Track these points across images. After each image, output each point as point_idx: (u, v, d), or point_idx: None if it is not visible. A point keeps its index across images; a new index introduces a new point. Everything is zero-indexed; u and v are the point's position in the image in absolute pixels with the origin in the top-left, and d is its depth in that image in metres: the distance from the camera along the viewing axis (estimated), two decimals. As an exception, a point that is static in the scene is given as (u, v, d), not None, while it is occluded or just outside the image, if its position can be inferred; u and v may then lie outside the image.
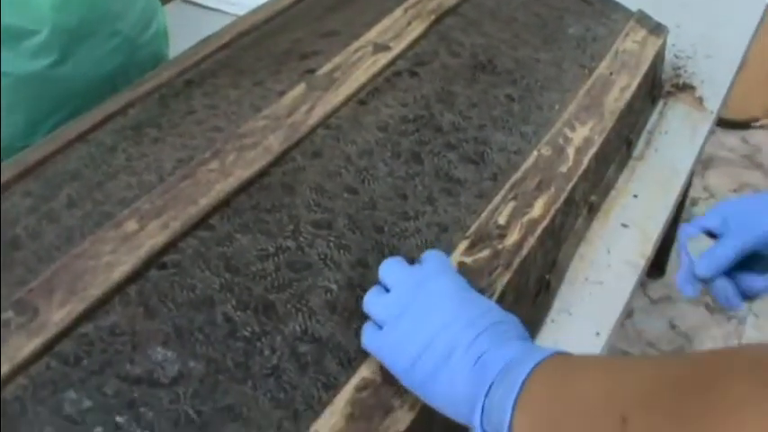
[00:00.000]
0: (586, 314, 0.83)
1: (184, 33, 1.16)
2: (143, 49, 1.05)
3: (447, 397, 0.57)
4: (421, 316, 0.60)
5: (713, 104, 1.13)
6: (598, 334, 0.82)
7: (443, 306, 0.60)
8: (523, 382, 0.53)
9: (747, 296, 0.71)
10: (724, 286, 0.70)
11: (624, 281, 0.88)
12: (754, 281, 0.70)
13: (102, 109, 0.86)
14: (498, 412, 0.54)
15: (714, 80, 1.17)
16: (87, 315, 0.60)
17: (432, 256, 0.66)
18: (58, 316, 0.60)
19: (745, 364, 0.45)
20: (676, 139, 1.06)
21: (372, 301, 0.63)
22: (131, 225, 0.67)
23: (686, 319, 1.95)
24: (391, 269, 0.64)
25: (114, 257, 0.64)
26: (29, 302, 0.61)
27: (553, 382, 0.54)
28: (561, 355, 0.56)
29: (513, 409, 0.53)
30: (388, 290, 0.63)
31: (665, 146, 1.05)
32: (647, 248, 0.91)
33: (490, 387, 0.55)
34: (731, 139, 2.37)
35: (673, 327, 1.93)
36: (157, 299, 0.62)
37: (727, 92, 1.17)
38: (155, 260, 0.65)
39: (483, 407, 0.55)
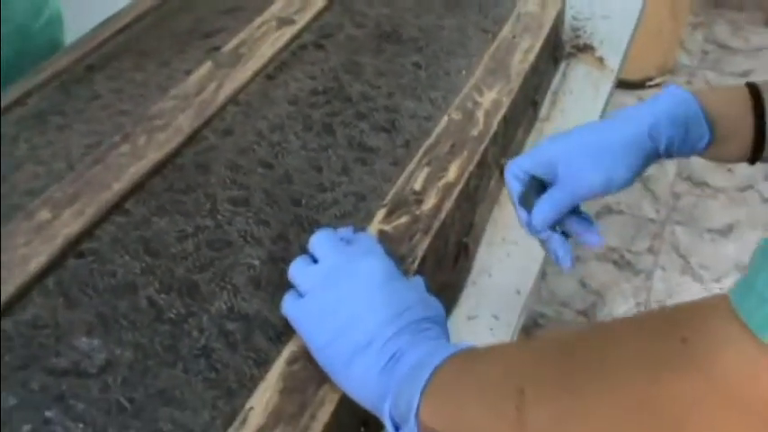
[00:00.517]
0: (506, 274, 0.85)
1: (80, 19, 1.13)
2: (36, 37, 1.02)
3: (358, 385, 0.57)
4: (346, 294, 0.59)
5: (613, 63, 1.16)
6: (518, 292, 0.84)
7: (370, 293, 0.59)
8: (432, 373, 0.54)
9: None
10: (555, 246, 0.70)
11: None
12: (580, 229, 0.70)
13: (-1, 99, 0.83)
14: (406, 399, 0.54)
15: (612, 40, 1.20)
16: (5, 311, 0.59)
17: (364, 237, 0.66)
18: (-27, 313, 0.58)
19: (629, 329, 0.47)
20: (580, 99, 1.09)
21: (298, 270, 0.63)
22: (44, 215, 0.65)
23: (596, 277, 2.01)
24: (322, 240, 0.64)
25: (29, 249, 0.62)
26: (-60, 301, 0.59)
27: (458, 368, 0.54)
28: (467, 350, 0.56)
29: (421, 396, 0.53)
30: (315, 261, 0.63)
31: (570, 106, 1.07)
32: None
33: (401, 379, 0.55)
34: (628, 99, 2.44)
35: (584, 285, 1.98)
36: (78, 288, 0.61)
37: (625, 51, 1.20)
38: (71, 249, 0.63)
39: (392, 396, 0.55)
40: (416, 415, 0.53)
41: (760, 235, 2.11)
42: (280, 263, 0.66)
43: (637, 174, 0.68)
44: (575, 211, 0.71)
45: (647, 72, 2.53)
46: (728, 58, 2.77)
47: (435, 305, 0.62)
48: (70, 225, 0.65)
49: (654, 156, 0.68)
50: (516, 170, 0.69)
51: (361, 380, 0.57)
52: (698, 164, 2.32)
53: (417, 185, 0.75)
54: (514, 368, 0.51)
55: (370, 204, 0.73)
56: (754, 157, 0.70)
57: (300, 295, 0.61)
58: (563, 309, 1.94)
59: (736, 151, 0.70)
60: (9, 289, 0.60)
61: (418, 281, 0.65)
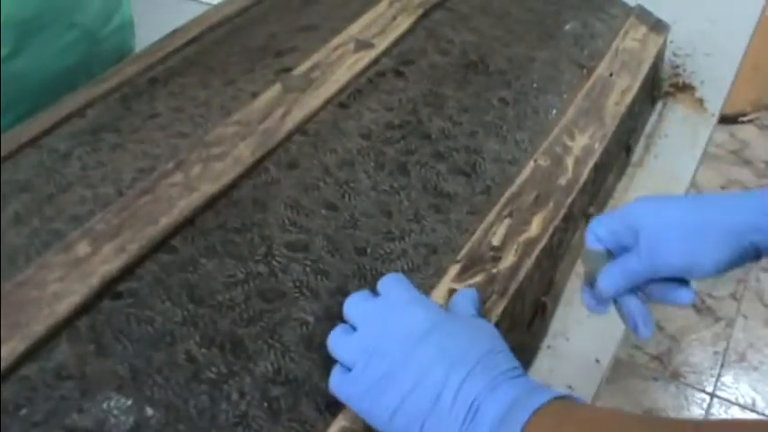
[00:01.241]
0: (585, 339, 0.77)
1: (153, 25, 1.08)
2: (105, 42, 0.98)
3: None
4: (394, 356, 0.53)
5: (714, 106, 1.07)
6: (598, 361, 0.76)
7: (419, 343, 0.53)
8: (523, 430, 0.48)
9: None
10: (633, 310, 0.61)
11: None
12: (670, 293, 0.61)
13: (57, 109, 0.78)
14: None
15: (714, 80, 1.11)
16: (30, 354, 0.53)
17: (392, 283, 0.59)
18: (-5, 356, 0.52)
19: None
20: (677, 144, 1.00)
21: (337, 342, 0.56)
22: (83, 248, 0.59)
23: (673, 321, 1.90)
24: (355, 305, 0.57)
25: (62, 286, 0.57)
26: (-38, 340, 0.53)
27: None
28: (560, 402, 0.50)
29: None
30: (354, 328, 0.56)
31: (665, 151, 0.98)
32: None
33: None
34: (718, 133, 2.31)
35: (660, 328, 1.87)
36: (111, 335, 0.55)
37: (728, 93, 1.11)
38: (108, 289, 0.57)
39: None
40: None
41: None
42: (336, 320, 0.59)
43: (726, 266, 0.58)
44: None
45: (741, 107, 2.40)
46: (831, 97, 2.63)
47: (490, 331, 0.56)
48: (110, 261, 0.59)
49: (753, 253, 0.58)
50: (599, 229, 0.62)
51: None
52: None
53: (496, 240, 0.68)
54: None
55: (442, 258, 0.66)
56: None
57: (348, 369, 0.54)
58: (636, 351, 1.84)
59: None
60: (38, 330, 0.54)
61: (479, 320, 0.58)
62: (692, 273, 0.59)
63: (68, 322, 0.55)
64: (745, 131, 2.38)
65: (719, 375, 1.81)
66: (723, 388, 1.79)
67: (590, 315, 0.78)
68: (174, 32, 0.90)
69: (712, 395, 1.77)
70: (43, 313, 0.55)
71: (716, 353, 1.85)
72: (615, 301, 0.63)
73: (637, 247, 0.60)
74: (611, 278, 0.60)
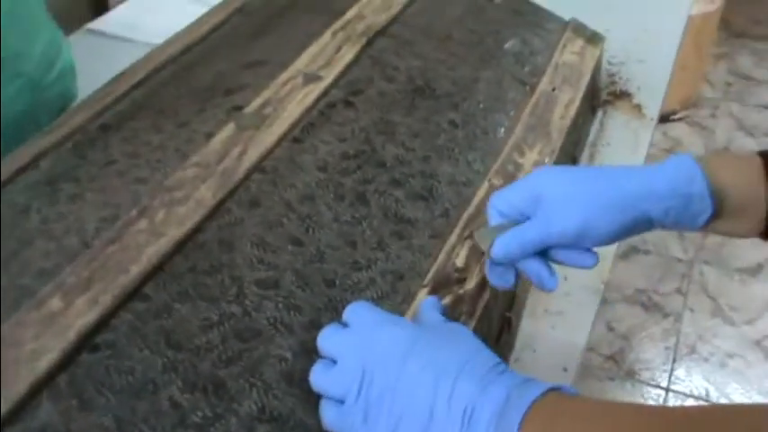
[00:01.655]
0: (551, 349, 0.79)
1: (92, 67, 1.08)
2: (49, 89, 0.98)
3: None
4: (382, 380, 0.54)
5: (652, 110, 1.11)
6: (565, 369, 0.78)
7: (404, 360, 0.54)
8: (520, 428, 0.49)
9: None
10: (534, 268, 0.64)
11: (585, 308, 0.84)
12: (575, 257, 0.64)
13: (10, 161, 0.77)
14: None
15: (650, 85, 1.15)
16: (12, 417, 0.53)
17: (358, 310, 0.60)
18: (-23, 421, 0.52)
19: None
20: (620, 150, 1.03)
21: (321, 378, 0.57)
22: (56, 303, 0.59)
23: (623, 321, 1.94)
24: (329, 338, 0.59)
25: (39, 343, 0.57)
26: (-58, 408, 0.53)
27: (550, 426, 0.49)
28: (553, 395, 0.51)
29: None
30: (334, 361, 0.57)
31: (609, 159, 1.02)
32: (605, 270, 0.87)
33: None
34: (651, 132, 2.38)
35: (611, 329, 1.92)
36: (93, 388, 0.55)
37: (664, 96, 1.14)
38: (85, 342, 0.58)
39: None
40: None
41: (791, 275, 2.05)
42: (313, 354, 0.60)
43: (619, 234, 0.63)
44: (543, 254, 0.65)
45: (671, 106, 2.47)
46: (752, 89, 2.72)
47: (465, 333, 0.58)
48: (84, 314, 0.59)
49: (644, 222, 0.62)
50: (499, 202, 0.65)
51: None
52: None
53: (459, 261, 0.70)
54: None
55: (410, 284, 0.67)
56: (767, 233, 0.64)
57: (340, 402, 0.55)
58: (590, 353, 1.88)
59: (747, 226, 0.63)
60: (19, 389, 0.54)
61: (451, 325, 0.60)
62: (586, 240, 0.62)
63: (49, 379, 0.55)
64: (677, 129, 2.45)
65: (672, 370, 1.85)
66: (677, 381, 1.83)
67: (554, 326, 0.81)
68: (120, 76, 0.90)
69: (667, 389, 1.82)
70: (22, 373, 0.55)
71: (667, 348, 1.90)
72: (517, 272, 0.66)
73: (536, 210, 0.63)
74: (503, 245, 0.63)
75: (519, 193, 0.64)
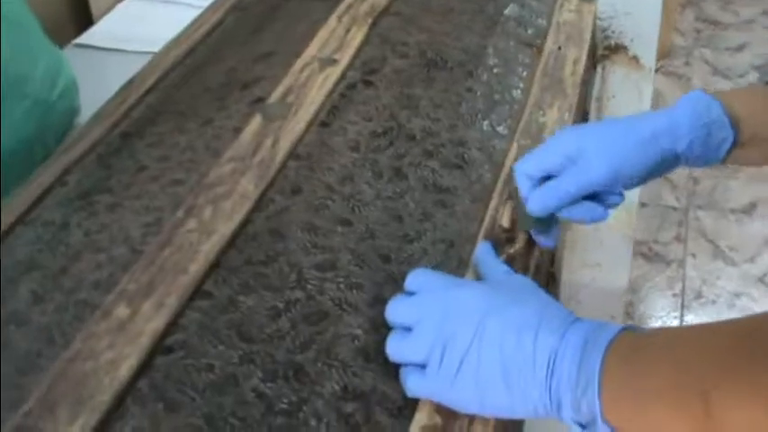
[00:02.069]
0: (594, 299, 0.80)
1: (87, 81, 1.07)
2: (55, 107, 0.97)
3: (524, 407, 0.53)
4: (464, 342, 0.54)
5: (648, 60, 1.11)
6: (612, 317, 0.79)
7: (483, 320, 0.55)
8: (600, 374, 0.50)
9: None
10: (582, 210, 0.66)
11: (620, 257, 0.85)
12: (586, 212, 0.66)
13: (35, 182, 0.77)
14: (587, 406, 0.51)
15: (641, 36, 1.15)
16: (103, 427, 0.53)
17: (421, 277, 0.61)
18: (70, 435, 0.52)
19: None
20: (625, 102, 1.04)
21: (398, 348, 0.57)
22: (122, 311, 0.59)
23: (628, 273, 1.96)
24: (398, 307, 0.59)
25: (114, 352, 0.56)
26: (30, 428, 0.52)
27: (628, 365, 0.51)
28: (626, 334, 0.53)
29: (600, 400, 0.50)
30: (408, 329, 0.58)
31: (617, 110, 1.02)
32: (631, 217, 0.89)
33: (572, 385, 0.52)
34: (629, 87, 2.39)
35: (618, 283, 1.93)
36: (175, 389, 0.55)
37: (657, 45, 1.15)
38: (159, 345, 0.58)
39: (570, 406, 0.51)
40: (603, 420, 0.50)
41: (786, 210, 2.07)
42: (382, 328, 0.60)
43: (650, 174, 0.65)
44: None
45: (644, 58, 2.48)
46: (721, 33, 2.74)
47: (532, 286, 0.60)
48: (153, 318, 0.59)
49: (671, 158, 0.65)
50: (528, 168, 0.67)
51: (525, 402, 0.53)
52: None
53: (505, 222, 0.70)
54: (691, 367, 0.47)
55: (461, 250, 0.68)
56: None
57: (421, 366, 0.56)
58: (599, 310, 1.89)
59: (761, 153, 0.66)
60: (104, 399, 0.54)
61: (516, 278, 0.62)
62: (618, 181, 0.65)
63: (130, 386, 0.55)
64: (655, 80, 2.47)
65: (682, 316, 1.88)
66: (689, 327, 1.85)
67: (594, 278, 0.82)
68: (128, 84, 0.90)
69: (680, 335, 1.84)
70: (104, 382, 0.55)
71: (674, 295, 1.92)
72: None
73: (564, 169, 0.65)
74: (539, 198, 0.65)
75: (547, 154, 0.66)
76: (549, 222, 0.67)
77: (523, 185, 0.67)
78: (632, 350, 0.51)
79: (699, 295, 1.92)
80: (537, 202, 0.65)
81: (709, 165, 0.67)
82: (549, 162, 0.66)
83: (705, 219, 2.09)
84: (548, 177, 0.66)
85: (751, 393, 0.44)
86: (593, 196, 0.66)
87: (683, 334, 0.53)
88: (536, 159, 0.66)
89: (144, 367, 0.56)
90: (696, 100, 0.65)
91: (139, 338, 0.57)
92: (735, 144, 0.65)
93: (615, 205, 0.67)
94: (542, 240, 0.68)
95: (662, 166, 0.66)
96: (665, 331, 0.54)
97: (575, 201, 0.65)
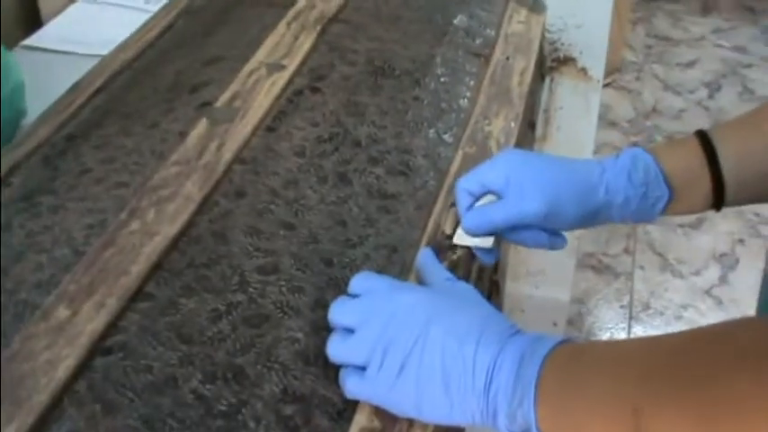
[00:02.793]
0: (538, 307, 0.81)
1: (35, 83, 1.06)
2: (1, 107, 0.96)
3: (462, 415, 0.54)
4: (406, 345, 0.55)
5: (597, 73, 1.14)
6: (555, 324, 0.80)
7: (426, 326, 0.55)
8: (536, 385, 0.51)
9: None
10: (523, 235, 0.68)
11: (564, 264, 0.86)
12: (545, 239, 0.68)
13: (-23, 182, 0.76)
14: (522, 416, 0.52)
15: (591, 48, 1.18)
16: (39, 428, 0.52)
17: (366, 280, 0.61)
18: (5, 435, 0.52)
19: (744, 354, 0.44)
20: (573, 114, 1.06)
21: (339, 349, 0.57)
22: (62, 311, 0.59)
23: (577, 285, 1.98)
24: (342, 309, 0.59)
25: (53, 353, 0.56)
26: (-35, 427, 0.52)
27: (564, 375, 0.52)
28: (564, 346, 0.54)
29: (535, 410, 0.51)
30: (351, 330, 0.58)
31: (565, 122, 1.04)
32: (576, 227, 0.90)
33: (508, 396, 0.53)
34: (581, 100, 2.43)
35: (566, 294, 1.95)
36: (113, 390, 0.55)
37: (605, 58, 1.18)
38: (98, 346, 0.57)
39: (504, 414, 0.52)
40: (537, 428, 0.51)
41: (731, 224, 2.11)
42: (323, 331, 0.61)
43: (583, 220, 0.67)
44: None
45: (596, 72, 2.52)
46: (672, 49, 2.80)
47: (475, 295, 0.61)
48: (93, 319, 0.58)
49: (606, 210, 0.67)
50: (469, 184, 0.68)
51: (463, 409, 0.54)
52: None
53: (448, 228, 0.71)
54: (624, 383, 0.49)
55: (404, 255, 0.69)
56: (718, 203, 0.69)
57: (361, 369, 0.56)
58: (548, 320, 1.91)
59: (697, 202, 0.69)
60: (42, 399, 0.53)
61: (459, 285, 0.63)
62: (552, 222, 0.66)
63: (68, 387, 0.55)
64: (606, 95, 2.51)
65: (630, 327, 1.90)
66: (636, 337, 1.88)
67: (537, 286, 0.83)
68: (76, 86, 0.89)
69: (627, 346, 1.86)
70: (42, 383, 0.54)
71: (622, 307, 1.95)
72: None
73: (504, 192, 0.66)
74: (472, 219, 0.67)
75: (489, 173, 0.67)
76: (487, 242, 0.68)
77: (463, 201, 0.68)
78: (568, 363, 0.52)
79: (647, 307, 1.95)
80: (471, 221, 0.67)
81: (644, 221, 0.70)
82: (490, 181, 0.67)
83: (653, 232, 2.13)
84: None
85: (680, 411, 0.45)
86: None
87: (618, 348, 0.54)
88: (477, 177, 0.68)
89: (82, 368, 0.56)
90: (635, 158, 0.67)
91: (79, 339, 0.57)
92: (670, 200, 0.68)
93: (559, 247, 0.69)
94: (480, 255, 0.69)
95: (596, 216, 0.67)
96: (601, 345, 0.56)
97: (511, 228, 0.67)
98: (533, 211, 0.65)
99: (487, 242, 0.67)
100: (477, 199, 0.68)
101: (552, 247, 0.68)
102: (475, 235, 0.67)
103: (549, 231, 0.68)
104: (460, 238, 0.68)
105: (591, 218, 0.67)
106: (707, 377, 0.44)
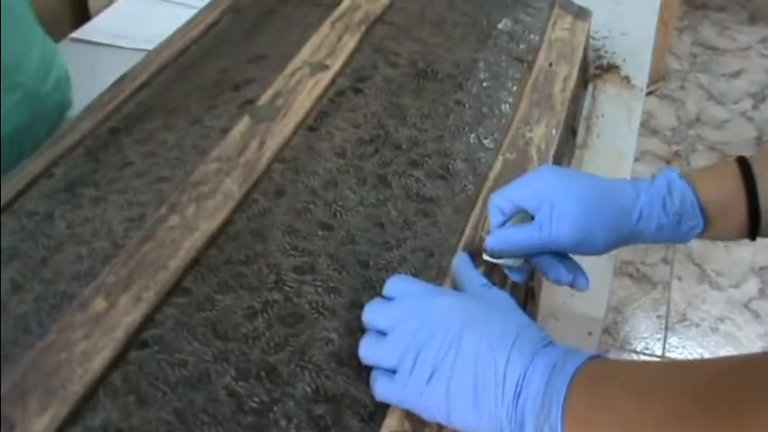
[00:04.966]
0: (573, 315, 0.81)
1: (81, 76, 1.08)
2: (47, 98, 0.97)
3: (490, 426, 0.54)
4: (439, 350, 0.55)
5: (640, 81, 1.12)
6: (590, 333, 0.80)
7: (460, 332, 0.55)
8: (564, 404, 0.51)
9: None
10: (547, 264, 0.67)
11: (600, 272, 0.85)
12: (569, 276, 0.67)
13: (21, 173, 0.77)
14: (548, 428, 0.51)
15: (635, 56, 1.17)
16: (73, 418, 0.53)
17: (401, 282, 0.61)
18: (39, 426, 0.52)
19: None
20: (614, 122, 1.05)
21: (372, 351, 0.58)
22: (100, 303, 0.60)
23: (614, 294, 1.97)
24: (376, 311, 0.59)
25: (89, 344, 0.57)
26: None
27: (591, 394, 0.51)
28: (594, 362, 0.53)
29: (562, 425, 0.51)
30: (383, 333, 0.58)
31: (606, 130, 1.03)
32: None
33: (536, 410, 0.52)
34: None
35: (603, 303, 1.94)
36: (147, 383, 0.56)
37: (649, 66, 1.16)
38: (134, 339, 0.58)
39: (533, 428, 0.52)
40: None
41: (773, 237, 2.08)
42: (357, 333, 0.61)
43: (613, 246, 0.66)
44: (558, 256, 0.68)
45: (639, 80, 2.50)
46: (717, 59, 2.76)
47: (511, 304, 0.60)
48: (130, 312, 0.59)
49: (638, 235, 0.66)
50: (501, 201, 0.67)
51: (491, 418, 0.53)
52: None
53: (485, 234, 0.71)
54: (650, 407, 0.48)
55: (441, 260, 0.68)
56: (753, 233, 0.67)
57: (392, 371, 0.56)
58: (584, 328, 1.90)
59: (732, 231, 0.67)
60: (75, 390, 0.54)
61: (494, 292, 0.62)
62: (581, 248, 0.65)
63: (103, 378, 0.55)
64: (649, 103, 2.49)
65: (666, 338, 1.88)
66: (671, 349, 1.86)
67: (572, 294, 0.82)
68: (121, 80, 0.90)
69: (662, 357, 1.85)
70: (77, 373, 0.55)
71: (659, 317, 1.93)
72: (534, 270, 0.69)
73: (536, 212, 0.65)
74: (499, 240, 0.66)
75: (522, 192, 0.66)
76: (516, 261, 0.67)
77: (494, 218, 0.67)
78: (598, 380, 0.52)
79: (683, 318, 1.93)
80: (494, 242, 0.66)
81: (674, 243, 0.69)
82: (521, 199, 0.66)
83: (693, 242, 2.09)
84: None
85: None
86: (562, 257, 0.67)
87: (647, 371, 0.53)
88: (509, 194, 0.67)
89: (118, 360, 0.57)
90: (671, 184, 0.66)
91: (115, 331, 0.58)
92: (704, 230, 0.66)
93: (581, 288, 0.68)
94: (509, 273, 0.68)
95: (627, 241, 0.66)
96: (630, 366, 0.55)
97: (537, 253, 0.66)
98: (563, 238, 0.64)
99: (517, 262, 0.66)
100: (510, 217, 0.67)
101: (574, 285, 0.68)
102: (500, 256, 0.66)
103: (572, 268, 0.67)
104: (488, 255, 0.67)
105: (622, 242, 0.66)
106: (736, 411, 0.43)
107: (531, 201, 0.65)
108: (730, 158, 0.68)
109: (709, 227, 0.66)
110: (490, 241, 0.66)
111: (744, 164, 0.67)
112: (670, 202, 0.65)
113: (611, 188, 0.66)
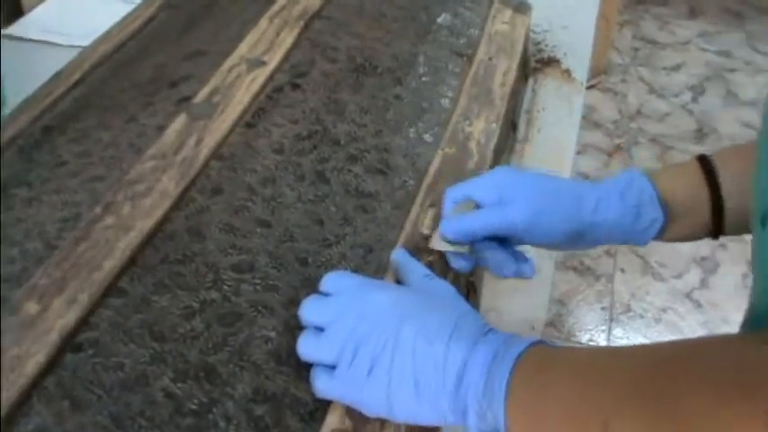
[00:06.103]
0: (515, 309, 0.81)
1: (15, 73, 1.05)
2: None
3: (432, 415, 0.54)
4: (377, 343, 0.55)
5: (581, 75, 1.13)
6: (533, 327, 0.80)
7: (398, 324, 0.55)
8: (507, 387, 0.51)
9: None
10: (494, 254, 0.67)
11: (542, 266, 0.86)
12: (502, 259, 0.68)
13: (-48, 173, 0.75)
14: (492, 416, 0.52)
15: (575, 50, 1.18)
16: (6, 424, 0.52)
17: (337, 278, 0.61)
18: (-30, 431, 0.51)
19: (708, 375, 0.44)
20: (555, 115, 1.06)
21: (310, 347, 0.57)
22: (32, 306, 0.58)
23: (558, 287, 1.99)
24: (314, 308, 0.59)
25: (22, 349, 0.55)
26: (-70, 421, 0.51)
27: (535, 382, 0.51)
28: (536, 348, 0.54)
29: (505, 412, 0.51)
30: (321, 329, 0.58)
31: (547, 124, 1.04)
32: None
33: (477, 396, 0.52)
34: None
35: (547, 295, 1.96)
36: (82, 387, 0.54)
37: (590, 60, 1.17)
38: (68, 343, 0.57)
39: (475, 414, 0.52)
40: (507, 428, 0.51)
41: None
42: (296, 331, 0.60)
43: (568, 239, 0.66)
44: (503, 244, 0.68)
45: (581, 73, 2.53)
46: (658, 53, 2.80)
47: (452, 293, 0.61)
48: (64, 315, 0.58)
49: (594, 230, 0.66)
50: (457, 194, 0.68)
51: (434, 408, 0.53)
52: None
53: (425, 229, 0.71)
54: (593, 395, 0.48)
55: (380, 255, 0.68)
56: (716, 232, 0.68)
57: (332, 367, 0.56)
58: (529, 321, 1.91)
59: (694, 230, 0.68)
60: (10, 395, 0.53)
61: (437, 283, 0.62)
62: (534, 234, 0.66)
63: (37, 383, 0.54)
64: (591, 96, 2.51)
65: (610, 329, 1.91)
66: (616, 340, 1.89)
67: (515, 287, 0.83)
68: (55, 77, 0.88)
69: (607, 347, 1.87)
70: (10, 379, 0.54)
71: (603, 308, 1.95)
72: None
73: (490, 204, 0.66)
74: (455, 222, 0.66)
75: (478, 186, 0.67)
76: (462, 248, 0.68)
77: (447, 209, 0.68)
78: (541, 365, 0.52)
79: (627, 309, 1.96)
80: (449, 227, 0.66)
81: (635, 244, 0.69)
82: (478, 193, 0.67)
83: (635, 233, 2.13)
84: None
85: (646, 426, 0.45)
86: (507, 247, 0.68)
87: (589, 358, 0.53)
88: (466, 188, 0.68)
89: (52, 364, 0.56)
90: (629, 180, 0.67)
91: (48, 335, 0.57)
92: (665, 225, 0.67)
93: (526, 275, 0.68)
94: (454, 262, 0.68)
95: (582, 236, 0.67)
96: (575, 351, 0.55)
97: (488, 240, 0.66)
98: (515, 218, 0.64)
99: (462, 248, 0.67)
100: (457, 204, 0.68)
101: (519, 274, 0.68)
102: (451, 242, 0.66)
103: (517, 256, 0.68)
104: (436, 243, 0.67)
105: (577, 237, 0.66)
106: (670, 394, 0.44)
107: (491, 193, 0.66)
108: (672, 151, 0.69)
109: (670, 224, 0.67)
110: (445, 227, 0.66)
111: (704, 160, 0.67)
112: (628, 193, 0.66)
113: (569, 182, 0.68)
